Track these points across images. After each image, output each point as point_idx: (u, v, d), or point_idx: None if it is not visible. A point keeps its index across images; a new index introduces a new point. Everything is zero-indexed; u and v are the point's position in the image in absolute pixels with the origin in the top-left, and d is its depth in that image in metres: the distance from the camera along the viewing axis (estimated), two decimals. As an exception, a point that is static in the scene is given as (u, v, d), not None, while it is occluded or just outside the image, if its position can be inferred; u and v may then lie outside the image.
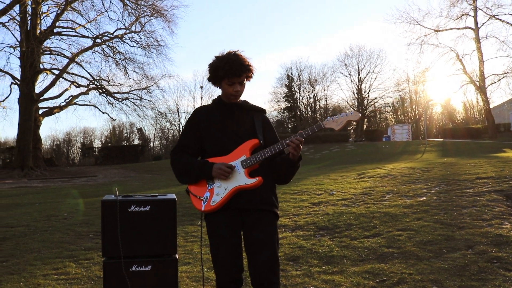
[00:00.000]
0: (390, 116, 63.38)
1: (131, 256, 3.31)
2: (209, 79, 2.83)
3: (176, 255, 3.43)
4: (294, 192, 9.56)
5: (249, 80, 2.83)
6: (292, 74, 59.11)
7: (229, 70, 2.68)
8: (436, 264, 4.43)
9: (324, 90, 60.26)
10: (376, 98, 58.34)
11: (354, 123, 58.73)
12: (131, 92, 35.04)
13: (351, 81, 58.59)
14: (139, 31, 33.05)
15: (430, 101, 48.11)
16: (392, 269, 4.38)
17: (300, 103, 60.08)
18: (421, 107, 58.07)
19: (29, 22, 28.86)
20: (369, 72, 57.38)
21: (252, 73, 2.80)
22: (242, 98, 2.90)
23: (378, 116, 62.79)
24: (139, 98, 35.35)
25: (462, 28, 37.46)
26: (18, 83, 30.15)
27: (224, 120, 2.80)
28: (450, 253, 4.73)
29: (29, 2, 27.69)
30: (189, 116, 2.95)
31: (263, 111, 2.96)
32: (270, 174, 2.79)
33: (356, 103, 58.24)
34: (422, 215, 6.40)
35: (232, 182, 2.66)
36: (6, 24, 29.11)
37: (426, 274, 4.20)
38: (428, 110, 59.02)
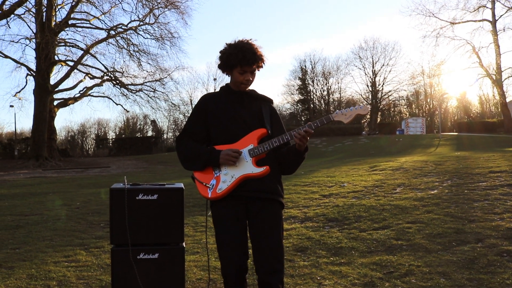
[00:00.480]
0: (405, 110, 62.84)
1: (139, 244, 3.35)
2: (220, 66, 2.80)
3: (183, 243, 3.46)
4: (305, 184, 9.56)
5: (259, 70, 2.81)
6: (305, 66, 58.88)
7: (243, 58, 2.67)
8: (444, 257, 4.40)
9: (338, 83, 59.86)
10: (390, 91, 57.87)
11: (368, 116, 58.42)
12: (145, 83, 35.22)
13: (365, 74, 58.18)
14: (153, 23, 33.13)
15: (445, 95, 47.50)
16: (400, 261, 4.36)
17: (314, 95, 59.84)
18: (436, 100, 57.46)
19: (44, 14, 29.10)
20: (383, 65, 56.89)
21: (263, 63, 2.78)
22: (251, 87, 2.89)
23: (392, 109, 62.26)
24: (153, 90, 35.53)
25: (479, 21, 36.89)
26: (34, 74, 30.48)
27: (232, 108, 2.78)
28: (459, 246, 4.69)
29: (44, -6, 27.92)
30: (197, 102, 2.93)
31: (270, 100, 2.94)
32: (276, 164, 2.78)
33: (370, 96, 57.82)
34: (433, 208, 6.35)
35: (239, 170, 2.65)
36: (22, 16, 29.46)
37: (434, 266, 4.18)
38: (443, 104, 58.38)
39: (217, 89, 2.98)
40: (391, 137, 38.86)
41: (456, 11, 42.90)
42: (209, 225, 3.45)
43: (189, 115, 2.97)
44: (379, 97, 57.36)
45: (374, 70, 57.20)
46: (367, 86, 58.08)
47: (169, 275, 3.37)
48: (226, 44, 2.77)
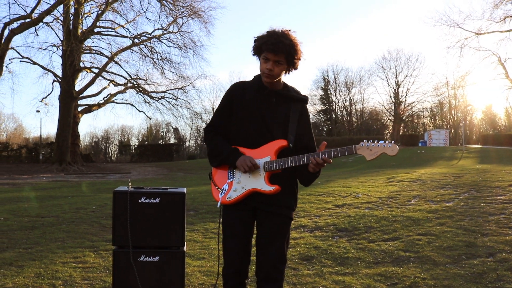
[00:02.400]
0: (428, 121, 61.92)
1: (140, 246, 3.39)
2: (252, 50, 2.62)
3: (184, 247, 3.49)
4: (319, 194, 9.51)
5: (293, 67, 2.60)
6: (328, 76, 58.73)
7: (266, 43, 2.48)
8: (452, 270, 4.31)
9: (361, 94, 59.35)
10: (413, 102, 57.10)
11: (390, 128, 57.70)
12: (167, 91, 35.70)
13: (388, 84, 57.53)
14: (176, 32, 33.66)
15: (469, 106, 46.65)
16: (405, 273, 4.30)
17: (336, 106, 59.54)
18: (460, 112, 56.47)
19: (71, 22, 29.84)
20: (406, 76, 56.21)
21: (295, 58, 2.54)
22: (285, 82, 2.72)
23: (416, 120, 61.43)
24: (175, 98, 35.98)
25: (506, 31, 36.14)
26: (60, 80, 31.23)
27: (258, 109, 2.62)
28: (469, 260, 4.59)
29: (72, 3, 28.64)
30: (226, 91, 2.77)
31: (304, 100, 2.73)
32: (292, 176, 2.69)
33: (393, 107, 57.18)
34: (446, 220, 6.24)
35: (251, 182, 2.59)
36: (50, 23, 30.26)
37: (440, 279, 4.10)
38: (467, 116, 57.35)
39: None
40: (413, 149, 38.32)
41: (481, 21, 42.29)
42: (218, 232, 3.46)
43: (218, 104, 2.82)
44: (402, 108, 56.67)
45: (397, 81, 56.61)
46: (390, 97, 57.50)
47: (169, 278, 3.40)
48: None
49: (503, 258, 4.57)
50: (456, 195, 8.23)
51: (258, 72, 2.67)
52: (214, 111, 2.84)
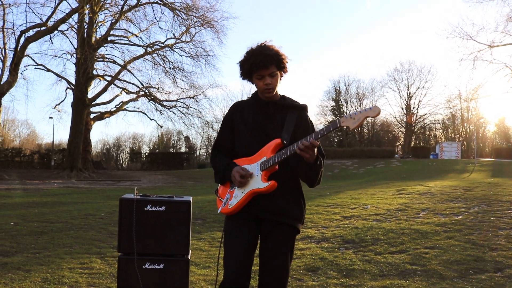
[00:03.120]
0: (440, 133, 61.45)
1: (145, 253, 3.42)
2: (241, 76, 2.68)
3: (189, 256, 3.50)
4: (328, 205, 9.48)
5: (284, 72, 2.64)
6: (339, 87, 58.66)
7: (254, 63, 2.53)
8: (459, 285, 4.27)
9: (372, 105, 59.06)
10: (425, 114, 56.79)
11: (401, 139, 57.33)
12: (179, 100, 35.87)
13: (400, 96, 57.33)
14: (189, 41, 33.89)
15: (481, 119, 46.24)
16: (411, 286, 4.26)
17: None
18: (473, 125, 56.00)
19: (85, 30, 30.27)
20: (418, 88, 55.98)
21: (283, 63, 2.60)
22: (281, 92, 2.74)
23: (428, 133, 61.02)
24: (186, 107, 36.14)
25: (519, 44, 35.88)
26: (73, 88, 31.61)
27: (256, 120, 2.66)
28: (476, 275, 4.54)
29: (87, 12, 29.09)
30: (226, 112, 2.82)
31: (301, 107, 2.72)
32: (295, 180, 2.65)
33: (404, 119, 56.89)
34: (454, 234, 6.18)
35: (249, 185, 2.56)
36: (64, 32, 30.73)
37: (446, 293, 4.06)
38: (480, 129, 56.85)
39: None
40: (425, 161, 38.04)
41: (495, 34, 41.84)
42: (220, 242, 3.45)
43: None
44: (414, 120, 56.36)
45: (409, 93, 56.40)
46: (402, 108, 57.26)
47: (173, 286, 3.41)
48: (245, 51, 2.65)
49: (512, 274, 4.52)
50: (466, 208, 8.15)
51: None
52: (217, 132, 2.89)
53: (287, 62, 2.63)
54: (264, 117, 2.66)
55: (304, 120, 2.69)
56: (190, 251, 3.55)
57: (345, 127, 2.42)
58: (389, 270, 4.80)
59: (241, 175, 2.55)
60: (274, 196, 2.56)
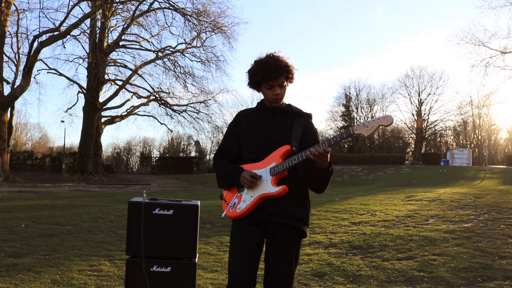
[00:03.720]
0: (451, 140, 60.96)
1: (153, 256, 3.46)
2: (249, 85, 2.76)
3: (196, 259, 3.54)
4: (336, 211, 9.46)
5: (291, 82, 2.73)
6: (350, 93, 58.44)
7: (266, 73, 2.61)
8: (466, 292, 4.25)
9: (383, 111, 58.68)
10: (436, 120, 56.39)
11: (412, 146, 56.98)
12: (189, 105, 36.07)
13: (411, 102, 56.98)
14: (200, 46, 34.09)
15: (493, 126, 45.82)
16: (418, 292, 4.25)
17: (357, 123, 59.12)
18: (484, 131, 55.49)
19: (97, 35, 30.60)
20: (429, 94, 55.60)
21: (292, 74, 2.69)
22: (287, 101, 2.82)
23: (439, 139, 60.56)
24: (197, 111, 36.32)
25: (532, 51, 35.57)
26: (84, 92, 31.94)
27: (264, 126, 2.73)
28: (484, 282, 4.52)
29: (99, 17, 29.42)
30: (232, 119, 2.90)
31: (307, 115, 2.81)
32: (301, 185, 2.69)
33: (415, 125, 56.55)
34: (463, 241, 6.15)
35: (258, 189, 2.61)
36: (77, 36, 31.10)
37: (453, 300, 4.05)
38: (492, 136, 56.33)
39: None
40: (435, 167, 37.77)
41: (507, 40, 41.58)
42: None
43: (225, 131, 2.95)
44: (425, 126, 55.99)
45: (420, 99, 56.05)
46: (412, 115, 56.91)
47: (180, 289, 3.45)
48: (254, 61, 2.72)
49: (520, 282, 4.48)
50: (476, 216, 8.10)
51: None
52: (222, 138, 2.95)
53: (294, 73, 2.71)
54: (271, 124, 2.73)
55: (310, 128, 2.78)
56: (197, 254, 3.59)
57: (359, 134, 2.51)
58: (396, 276, 4.79)
59: (252, 175, 2.61)
60: (282, 200, 2.60)
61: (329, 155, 2.51)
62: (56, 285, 4.29)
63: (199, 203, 3.62)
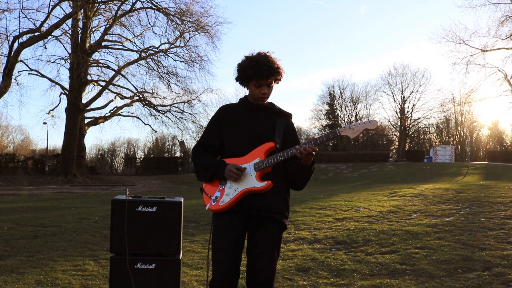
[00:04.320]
0: (434, 137, 61.76)
1: (137, 253, 3.46)
2: (237, 79, 2.81)
3: (180, 255, 3.55)
4: (320, 208, 9.54)
5: (277, 83, 2.79)
6: (334, 91, 58.83)
7: (257, 72, 2.67)
8: (447, 283, 4.34)
9: (366, 109, 59.31)
10: (419, 118, 57.10)
11: (396, 143, 57.56)
12: (173, 105, 35.87)
13: (394, 100, 57.62)
14: (183, 46, 33.93)
15: (474, 123, 46.54)
16: (400, 285, 4.33)
17: (342, 121, 59.50)
18: (466, 128, 56.35)
19: (79, 35, 30.28)
20: (412, 92, 56.32)
21: (281, 76, 2.76)
22: (269, 100, 2.87)
23: (422, 136, 61.30)
24: (181, 111, 36.14)
25: (511, 48, 36.22)
26: (67, 93, 31.58)
27: (247, 122, 2.78)
28: (465, 273, 4.62)
29: (81, 17, 29.12)
30: (214, 113, 2.93)
31: (288, 115, 2.90)
32: (283, 180, 2.75)
33: (399, 123, 57.18)
34: (445, 234, 6.26)
35: (242, 184, 2.65)
36: (58, 37, 30.73)
37: (434, 291, 4.13)
38: (474, 132, 57.20)
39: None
40: (419, 164, 38.25)
41: (487, 38, 42.13)
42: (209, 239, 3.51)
43: (206, 126, 2.97)
44: (408, 124, 56.63)
45: (403, 97, 56.71)
46: (396, 112, 57.53)
47: (165, 285, 3.46)
48: (245, 56, 2.77)
49: (499, 272, 4.59)
50: (457, 210, 8.24)
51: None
52: (203, 132, 2.98)
53: (283, 76, 2.79)
54: (255, 120, 2.79)
55: (291, 127, 2.88)
56: (181, 251, 3.61)
57: (344, 136, 2.61)
58: (379, 270, 4.87)
59: (238, 168, 2.66)
60: (265, 195, 2.65)
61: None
62: (40, 285, 4.27)
63: (182, 200, 3.64)
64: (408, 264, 4.99)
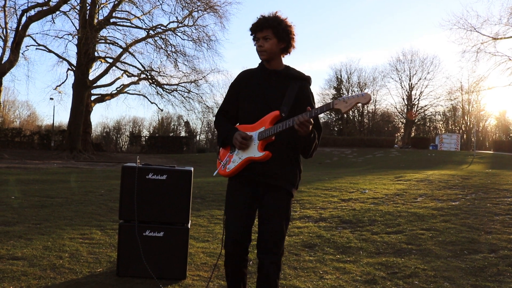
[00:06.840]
0: (440, 125, 61.47)
1: (146, 221, 3.48)
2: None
3: (188, 224, 3.56)
4: (326, 189, 9.54)
5: (286, 40, 2.69)
6: (341, 76, 58.49)
7: (252, 25, 2.69)
8: (453, 263, 4.34)
9: (373, 95, 58.91)
10: (426, 105, 56.74)
11: (402, 130, 57.37)
12: (180, 84, 35.75)
13: (402, 87, 57.22)
14: (191, 25, 33.68)
15: (482, 112, 46.22)
16: (406, 263, 4.34)
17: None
18: (473, 117, 56.00)
19: (87, 11, 30.08)
20: (420, 79, 55.85)
21: (282, 30, 2.66)
22: (286, 64, 2.82)
23: (428, 124, 61.02)
24: (187, 91, 36.04)
25: (523, 37, 35.68)
26: (74, 69, 31.50)
27: (259, 88, 2.75)
28: (471, 255, 4.61)
29: (89, -8, 28.90)
30: (234, 79, 2.92)
31: (305, 78, 2.80)
32: (290, 149, 2.73)
33: (405, 110, 56.87)
34: (451, 217, 6.25)
35: (246, 152, 2.68)
36: (67, 12, 30.56)
37: (440, 271, 4.13)
38: (480, 122, 56.85)
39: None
40: (424, 151, 38.12)
41: (499, 26, 41.36)
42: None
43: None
44: (415, 111, 56.31)
45: (411, 84, 56.28)
46: (403, 99, 57.19)
47: (172, 253, 3.48)
48: None
49: (505, 255, 4.58)
50: (463, 195, 8.21)
51: None
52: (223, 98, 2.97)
53: (290, 33, 2.70)
54: (266, 86, 2.75)
55: (305, 92, 2.77)
56: (190, 220, 3.62)
57: (337, 110, 2.54)
58: (385, 248, 4.87)
59: (242, 137, 2.66)
60: (269, 163, 2.66)
61: (310, 125, 2.54)
62: (48, 251, 4.30)
63: (192, 169, 3.64)
64: (414, 244, 4.99)
